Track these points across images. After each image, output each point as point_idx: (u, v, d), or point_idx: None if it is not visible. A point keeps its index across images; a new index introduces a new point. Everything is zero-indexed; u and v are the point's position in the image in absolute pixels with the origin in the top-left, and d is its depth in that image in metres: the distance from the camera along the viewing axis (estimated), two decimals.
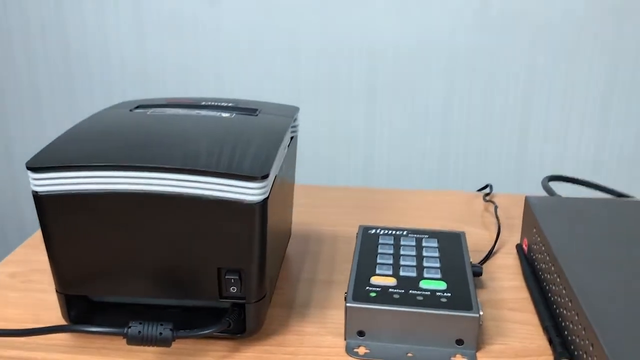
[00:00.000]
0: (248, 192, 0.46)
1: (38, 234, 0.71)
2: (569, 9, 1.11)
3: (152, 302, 0.53)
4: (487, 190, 0.81)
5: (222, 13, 1.25)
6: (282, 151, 0.54)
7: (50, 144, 0.51)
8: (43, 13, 1.27)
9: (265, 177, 0.46)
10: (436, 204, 0.79)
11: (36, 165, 0.47)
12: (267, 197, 0.47)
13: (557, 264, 0.53)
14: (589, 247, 0.56)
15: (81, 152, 0.49)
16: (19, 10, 1.29)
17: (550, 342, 0.51)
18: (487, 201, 0.78)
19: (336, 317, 0.56)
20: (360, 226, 0.65)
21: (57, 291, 0.51)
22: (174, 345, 0.50)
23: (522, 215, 0.73)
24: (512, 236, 0.70)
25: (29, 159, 0.48)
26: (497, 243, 0.68)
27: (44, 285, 0.61)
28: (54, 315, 0.56)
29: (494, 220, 0.74)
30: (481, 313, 0.50)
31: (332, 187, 0.82)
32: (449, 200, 0.80)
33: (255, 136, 0.53)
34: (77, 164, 0.47)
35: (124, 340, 0.47)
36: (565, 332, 0.51)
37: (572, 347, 0.49)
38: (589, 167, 1.21)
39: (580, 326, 0.47)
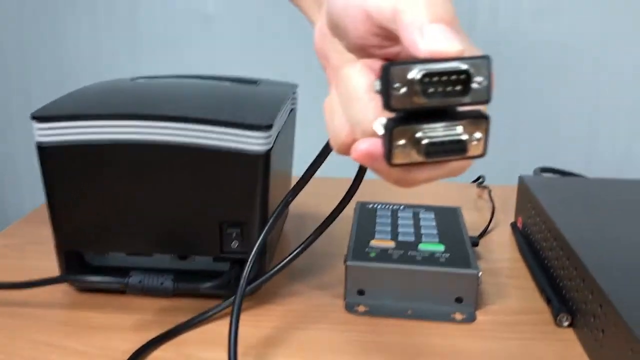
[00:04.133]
0: (252, 141, 0.47)
1: (31, 213, 0.71)
2: None
3: (149, 266, 0.53)
4: (480, 180, 0.82)
5: (216, 31, 1.27)
6: (284, 113, 0.55)
7: (55, 100, 0.51)
8: (38, 29, 1.28)
9: (269, 127, 0.47)
10: (430, 191, 0.80)
11: (42, 114, 0.48)
12: (271, 149, 0.48)
13: (555, 228, 0.54)
14: (585, 214, 0.57)
15: (86, 104, 0.50)
16: (16, 26, 1.30)
17: (548, 301, 0.52)
18: (480, 187, 0.79)
19: (334, 281, 0.56)
20: (357, 202, 0.65)
21: (55, 247, 0.51)
22: (173, 303, 0.50)
23: (514, 202, 0.74)
24: (506, 218, 0.71)
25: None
26: (492, 223, 0.69)
27: (39, 254, 0.60)
28: None
29: (488, 205, 0.75)
30: (480, 272, 0.50)
31: (327, 178, 0.82)
32: (443, 188, 0.81)
33: (257, 96, 0.54)
34: (82, 113, 0.47)
35: (123, 299, 0.47)
36: (563, 292, 0.51)
37: (569, 304, 0.50)
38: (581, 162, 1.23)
39: (578, 279, 0.48)
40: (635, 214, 0.57)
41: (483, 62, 0.28)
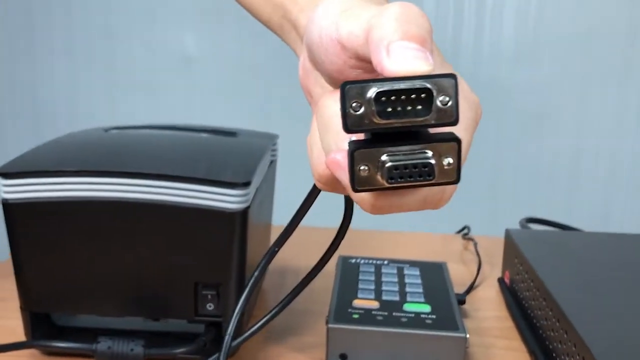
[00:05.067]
0: (228, 199, 0.45)
1: None
2: None
3: (120, 327, 0.50)
4: (465, 231, 0.80)
5: (195, 74, 1.25)
6: (263, 167, 0.53)
7: (23, 153, 0.49)
8: (14, 70, 1.26)
9: (246, 184, 0.45)
10: (414, 243, 0.78)
11: (7, 171, 0.45)
12: (249, 207, 0.46)
13: (543, 287, 0.52)
14: (574, 272, 0.55)
15: (54, 159, 0.48)
16: None
17: None
18: (465, 239, 0.77)
19: (315, 343, 0.53)
20: (340, 256, 0.63)
21: (21, 308, 0.48)
22: None
23: (501, 253, 0.72)
24: (493, 271, 0.69)
25: None
26: (479, 278, 0.67)
27: (5, 312, 0.57)
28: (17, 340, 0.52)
29: (473, 257, 0.73)
30: (467, 335, 0.48)
31: (308, 228, 0.80)
32: (427, 240, 0.79)
33: (236, 150, 0.52)
34: (50, 169, 0.45)
35: None
36: (554, 354, 0.49)
37: None
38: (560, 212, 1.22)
39: (569, 343, 0.45)
40: (625, 271, 0.55)
41: (448, 80, 0.26)
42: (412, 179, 0.27)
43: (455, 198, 1.07)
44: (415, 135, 0.27)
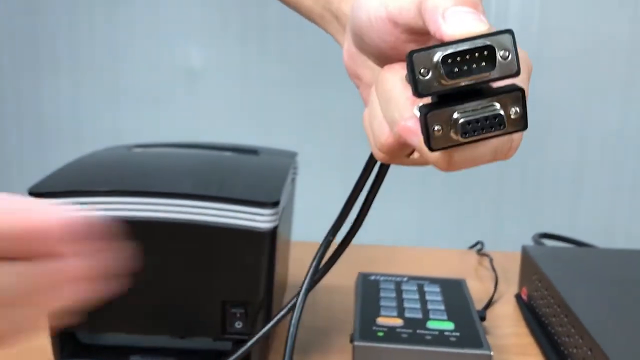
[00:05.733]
0: (259, 218, 0.45)
1: None
2: None
3: (146, 345, 0.51)
4: (478, 247, 0.81)
5: (200, 87, 1.26)
6: (288, 186, 0.54)
7: (53, 172, 0.49)
8: (19, 84, 1.27)
9: (276, 204, 0.45)
10: (429, 258, 0.79)
11: (39, 191, 0.46)
12: (277, 226, 0.46)
13: (564, 304, 0.53)
14: (594, 289, 0.56)
15: (83, 178, 0.48)
16: None
17: None
18: (480, 255, 0.78)
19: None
20: (359, 273, 0.64)
21: (49, 329, 0.48)
22: None
23: (516, 269, 0.73)
24: (509, 288, 0.70)
25: None
26: (495, 294, 0.67)
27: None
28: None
29: (489, 273, 0.73)
30: (492, 352, 0.49)
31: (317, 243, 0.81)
32: (442, 256, 0.80)
33: (261, 170, 0.52)
34: (79, 189, 0.46)
35: None
36: None
37: None
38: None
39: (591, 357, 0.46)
40: None
41: (506, 36, 0.28)
42: (484, 131, 0.29)
43: (462, 213, 1.08)
44: (479, 92, 0.29)
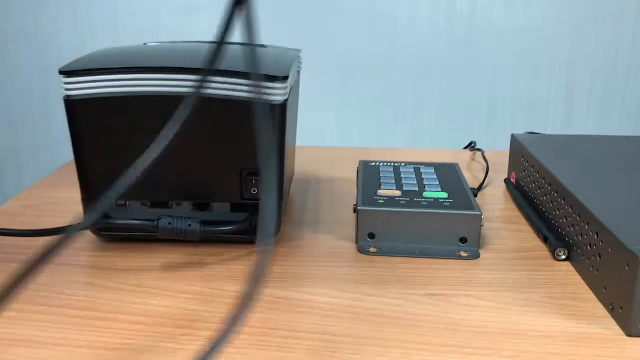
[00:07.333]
0: (271, 92, 0.50)
1: (47, 177, 0.73)
2: None
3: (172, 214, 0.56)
4: (472, 145, 0.86)
5: (198, 23, 1.29)
6: (294, 70, 0.58)
7: (79, 58, 0.54)
8: (21, 21, 1.30)
9: (285, 78, 0.50)
10: (426, 157, 0.84)
11: (69, 69, 0.50)
12: (287, 99, 0.51)
13: (549, 175, 0.58)
14: (578, 162, 0.61)
15: (110, 60, 0.53)
16: None
17: (545, 240, 0.55)
18: (473, 150, 0.83)
19: (345, 229, 0.59)
20: (360, 161, 0.69)
21: (82, 200, 0.54)
22: (195, 249, 0.53)
23: (506, 162, 0.78)
24: (499, 176, 0.75)
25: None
26: (486, 181, 0.73)
27: (58, 213, 0.63)
28: None
29: (481, 166, 0.79)
30: (482, 214, 0.54)
31: (322, 147, 0.86)
32: (437, 154, 0.85)
33: (269, 55, 0.57)
34: (107, 67, 0.50)
35: (147, 246, 0.50)
36: (559, 230, 0.55)
37: (566, 239, 0.53)
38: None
39: (575, 215, 0.51)
40: (625, 164, 0.61)
41: None
42: None
43: (456, 126, 1.14)
44: None
